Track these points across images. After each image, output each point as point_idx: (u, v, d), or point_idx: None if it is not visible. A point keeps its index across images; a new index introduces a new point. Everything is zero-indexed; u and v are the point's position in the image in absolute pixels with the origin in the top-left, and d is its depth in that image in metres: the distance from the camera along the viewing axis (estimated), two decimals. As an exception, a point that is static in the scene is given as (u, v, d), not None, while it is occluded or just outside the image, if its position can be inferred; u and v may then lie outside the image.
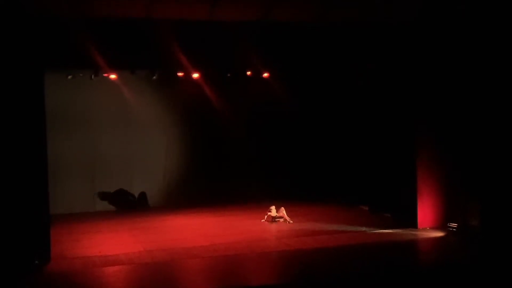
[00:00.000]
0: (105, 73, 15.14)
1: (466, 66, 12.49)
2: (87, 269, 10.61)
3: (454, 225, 12.84)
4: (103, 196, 16.98)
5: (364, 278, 9.87)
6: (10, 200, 10.61)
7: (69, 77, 15.40)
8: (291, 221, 14.45)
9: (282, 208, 14.67)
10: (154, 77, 15.59)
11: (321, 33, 13.37)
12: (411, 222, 13.22)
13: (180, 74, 15.42)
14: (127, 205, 16.98)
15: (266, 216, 14.67)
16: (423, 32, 12.95)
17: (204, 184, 17.71)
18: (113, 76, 15.58)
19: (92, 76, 14.96)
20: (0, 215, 10.53)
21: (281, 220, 14.52)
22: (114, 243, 12.70)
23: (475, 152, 12.60)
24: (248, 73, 15.83)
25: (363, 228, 13.46)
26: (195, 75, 15.63)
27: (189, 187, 17.70)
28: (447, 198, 13.18)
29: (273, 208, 14.71)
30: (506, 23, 11.66)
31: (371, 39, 13.47)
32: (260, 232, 13.78)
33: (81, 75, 15.30)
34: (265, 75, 16.18)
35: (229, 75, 16.00)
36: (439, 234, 12.75)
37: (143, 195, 17.30)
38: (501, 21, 11.74)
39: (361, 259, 11.11)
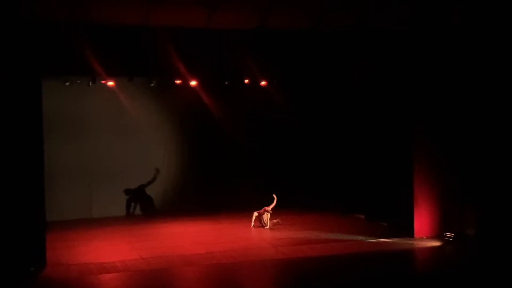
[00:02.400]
0: (102, 80, 15.13)
1: (462, 73, 12.54)
2: (83, 276, 10.58)
3: (451, 234, 12.83)
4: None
5: (360, 287, 9.86)
6: (6, 206, 10.58)
7: (67, 83, 15.40)
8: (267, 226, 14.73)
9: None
10: (152, 84, 15.59)
11: (318, 38, 13.42)
12: (408, 232, 13.20)
13: (178, 81, 15.43)
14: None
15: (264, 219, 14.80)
16: (421, 35, 12.94)
17: (201, 190, 17.69)
18: (110, 83, 15.58)
19: (90, 83, 14.94)
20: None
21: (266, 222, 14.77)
22: (110, 250, 12.67)
23: (472, 162, 12.62)
24: (246, 81, 15.85)
25: (360, 237, 13.45)
26: (193, 83, 15.64)
27: (186, 194, 17.68)
28: (444, 208, 13.17)
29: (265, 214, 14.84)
30: (502, 25, 11.69)
31: (368, 43, 13.54)
32: (257, 240, 13.77)
33: (78, 81, 15.30)
34: (263, 83, 16.21)
35: (226, 82, 16.02)
36: (436, 243, 12.75)
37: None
38: (497, 24, 11.77)
39: (357, 268, 11.11)
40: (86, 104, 16.49)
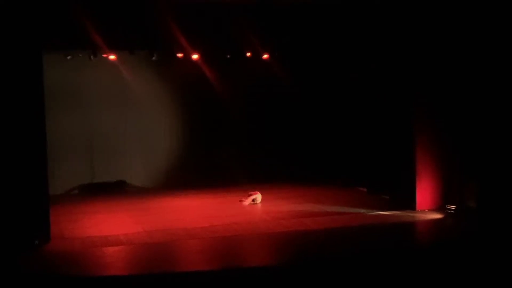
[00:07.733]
0: (104, 54, 15.09)
1: (465, 47, 12.45)
2: (86, 249, 10.64)
3: (453, 207, 12.88)
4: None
5: (363, 259, 9.91)
6: (9, 180, 10.61)
7: (68, 57, 15.35)
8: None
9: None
10: (154, 58, 15.54)
11: (320, 12, 13.33)
12: (410, 204, 13.23)
13: (179, 55, 15.38)
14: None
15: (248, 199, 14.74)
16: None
17: (202, 164, 17.69)
18: (112, 57, 15.54)
19: (91, 57, 14.90)
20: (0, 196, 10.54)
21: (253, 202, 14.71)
22: (113, 224, 12.74)
23: (473, 135, 12.60)
24: (248, 54, 15.80)
25: (362, 210, 13.49)
26: (195, 56, 15.60)
27: (187, 167, 17.69)
28: (446, 180, 13.19)
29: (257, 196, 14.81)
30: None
31: (369, 16, 13.46)
32: (259, 213, 13.82)
33: (80, 55, 15.25)
34: (265, 56, 16.15)
35: (228, 56, 15.96)
36: (438, 216, 12.79)
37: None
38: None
39: (360, 240, 11.15)
40: (87, 78, 16.42)
